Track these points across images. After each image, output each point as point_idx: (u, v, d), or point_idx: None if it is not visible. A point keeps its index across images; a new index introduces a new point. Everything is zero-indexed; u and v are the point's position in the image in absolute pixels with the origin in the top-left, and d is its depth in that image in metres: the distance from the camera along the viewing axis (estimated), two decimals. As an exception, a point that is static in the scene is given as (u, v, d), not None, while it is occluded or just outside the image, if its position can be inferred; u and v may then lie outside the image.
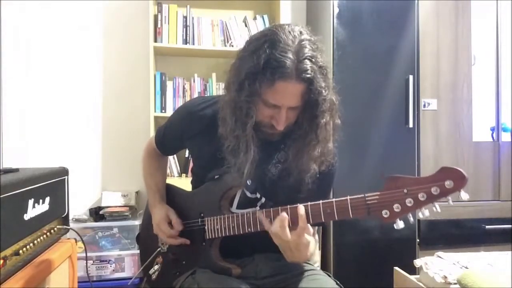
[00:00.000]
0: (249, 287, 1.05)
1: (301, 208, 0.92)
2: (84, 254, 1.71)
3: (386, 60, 2.37)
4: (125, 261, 2.33)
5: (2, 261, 1.10)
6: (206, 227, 1.13)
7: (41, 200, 1.32)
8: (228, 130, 1.02)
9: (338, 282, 1.09)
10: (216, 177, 1.13)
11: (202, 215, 1.16)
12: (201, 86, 2.62)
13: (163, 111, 2.54)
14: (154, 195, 1.30)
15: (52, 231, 1.43)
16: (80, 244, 1.66)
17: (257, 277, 1.11)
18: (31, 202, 1.25)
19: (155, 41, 2.50)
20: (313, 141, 1.01)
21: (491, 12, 2.56)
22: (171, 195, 1.32)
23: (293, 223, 0.92)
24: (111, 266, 2.31)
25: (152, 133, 2.45)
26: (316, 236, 1.42)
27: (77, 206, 2.48)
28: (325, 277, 1.10)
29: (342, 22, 2.35)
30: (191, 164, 2.47)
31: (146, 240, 1.34)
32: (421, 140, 2.40)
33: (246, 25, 2.68)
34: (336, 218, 0.90)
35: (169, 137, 1.30)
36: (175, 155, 2.55)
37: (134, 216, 2.44)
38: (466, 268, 1.51)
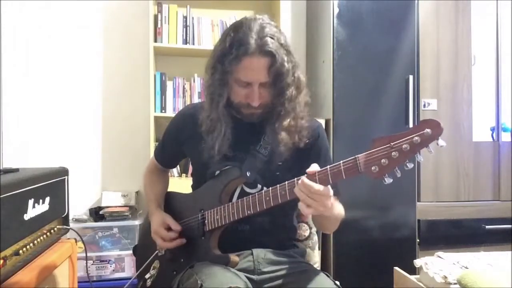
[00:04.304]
0: (247, 280, 1.05)
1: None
2: (84, 254, 1.71)
3: (386, 60, 2.37)
4: (125, 261, 2.33)
5: (2, 261, 1.09)
6: (206, 220, 1.15)
7: (41, 200, 1.32)
8: (205, 114, 1.14)
9: (337, 283, 1.09)
10: (216, 173, 1.17)
11: (202, 210, 1.17)
12: (201, 86, 2.62)
13: (163, 111, 2.54)
14: (152, 204, 1.31)
15: (52, 231, 1.43)
16: (80, 244, 1.66)
17: (256, 272, 1.12)
18: (31, 202, 1.25)
19: (155, 41, 2.50)
20: (282, 111, 1.10)
21: (491, 12, 2.56)
22: (171, 200, 1.33)
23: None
24: (111, 266, 2.31)
25: (152, 133, 2.46)
26: (316, 236, 1.42)
27: (77, 206, 2.48)
28: (324, 277, 1.10)
29: (342, 22, 2.35)
30: (191, 169, 2.47)
31: (143, 250, 1.34)
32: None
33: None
34: (331, 181, 0.94)
35: (168, 145, 1.34)
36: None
37: (134, 216, 2.44)
38: (466, 268, 1.51)
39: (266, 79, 1.06)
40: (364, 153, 0.90)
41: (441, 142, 0.85)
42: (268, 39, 1.03)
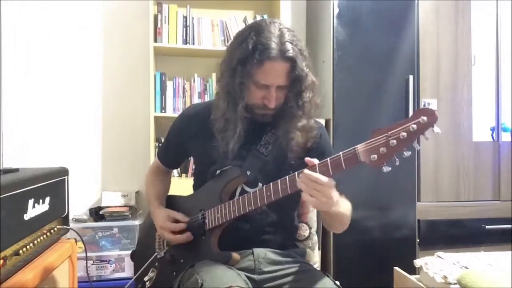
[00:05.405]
0: (247, 279, 1.06)
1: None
2: (84, 254, 1.71)
3: (386, 60, 2.37)
4: (125, 261, 2.33)
5: (2, 261, 1.10)
6: (206, 220, 1.15)
7: (41, 200, 1.32)
8: (220, 113, 1.14)
9: (337, 283, 1.09)
10: (217, 172, 1.17)
11: (202, 210, 1.18)
12: (201, 86, 2.62)
13: (163, 111, 2.54)
14: (154, 201, 1.32)
15: (52, 231, 1.44)
16: (80, 244, 1.66)
17: (256, 271, 1.12)
18: (31, 202, 1.25)
19: (155, 41, 2.50)
20: (299, 114, 1.13)
21: (491, 12, 2.56)
22: (172, 203, 1.33)
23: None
24: (111, 266, 2.31)
25: (152, 133, 2.46)
26: (315, 236, 1.42)
27: (77, 206, 2.48)
28: (324, 277, 1.10)
29: (342, 22, 2.35)
30: (192, 167, 2.47)
31: (142, 253, 1.34)
32: (421, 140, 2.39)
33: (246, 25, 2.68)
34: (331, 173, 0.96)
35: (171, 146, 1.34)
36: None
37: (134, 216, 2.44)
38: (466, 268, 1.51)
39: (285, 82, 1.09)
40: (363, 143, 0.93)
41: (436, 129, 0.87)
42: (289, 45, 1.06)
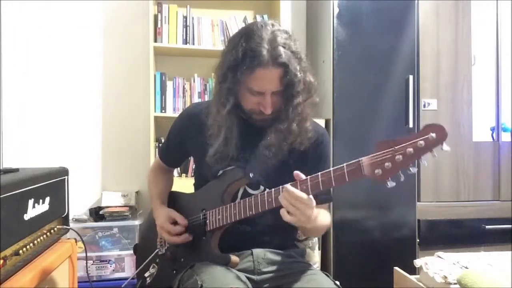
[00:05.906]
0: (247, 280, 1.06)
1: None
2: (84, 254, 1.71)
3: (386, 60, 2.37)
4: (125, 261, 2.33)
5: (2, 261, 1.10)
6: (207, 220, 1.15)
7: (41, 200, 1.32)
8: (212, 119, 1.14)
9: (337, 283, 1.09)
10: (220, 172, 1.17)
11: (204, 210, 1.18)
12: (201, 86, 2.62)
13: (163, 111, 2.54)
14: (156, 200, 1.32)
15: (52, 231, 1.44)
16: (80, 244, 1.66)
17: (256, 272, 1.12)
18: (31, 202, 1.25)
19: (155, 41, 2.50)
20: (290, 118, 1.10)
21: (491, 12, 2.56)
22: (174, 199, 1.34)
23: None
24: (111, 266, 2.31)
25: (152, 133, 2.46)
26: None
27: (77, 206, 2.48)
28: (324, 277, 1.10)
29: (342, 22, 2.35)
30: (192, 167, 2.47)
31: (143, 249, 1.35)
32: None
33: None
34: (333, 184, 0.94)
35: (172, 145, 1.34)
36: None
37: (134, 216, 2.44)
38: (466, 268, 1.51)
39: (279, 88, 1.07)
40: (368, 156, 0.90)
41: (445, 147, 0.85)
42: (281, 49, 1.03)
